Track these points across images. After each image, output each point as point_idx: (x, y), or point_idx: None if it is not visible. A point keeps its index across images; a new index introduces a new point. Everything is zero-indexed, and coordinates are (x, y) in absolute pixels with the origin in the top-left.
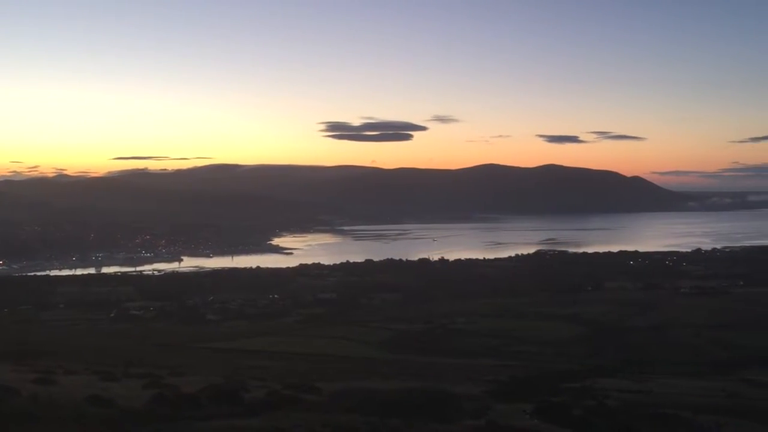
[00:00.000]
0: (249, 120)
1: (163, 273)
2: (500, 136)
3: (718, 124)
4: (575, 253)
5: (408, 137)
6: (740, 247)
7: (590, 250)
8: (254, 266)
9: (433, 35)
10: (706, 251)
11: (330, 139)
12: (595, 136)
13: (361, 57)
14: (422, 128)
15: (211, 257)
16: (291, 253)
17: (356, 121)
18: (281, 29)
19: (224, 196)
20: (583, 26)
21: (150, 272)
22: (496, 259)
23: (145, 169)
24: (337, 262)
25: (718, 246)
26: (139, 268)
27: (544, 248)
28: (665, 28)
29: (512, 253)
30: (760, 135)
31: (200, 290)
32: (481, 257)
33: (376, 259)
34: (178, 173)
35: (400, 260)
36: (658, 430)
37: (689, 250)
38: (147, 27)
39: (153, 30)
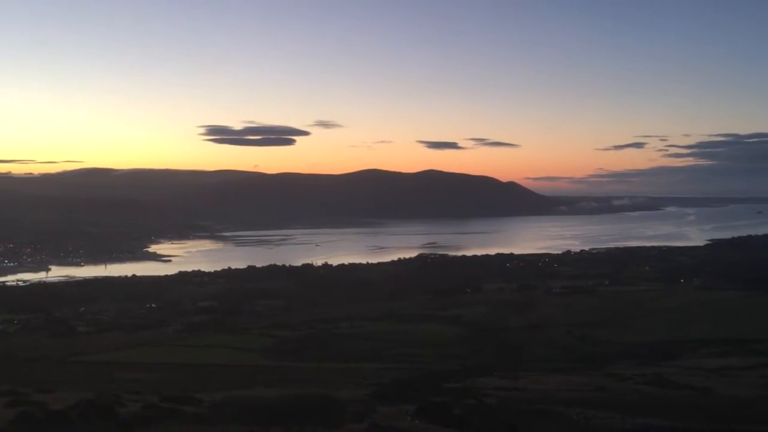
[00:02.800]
0: (123, 122)
1: (28, 283)
2: (382, 141)
3: (584, 132)
4: (455, 257)
5: (291, 142)
6: (605, 248)
7: (469, 253)
8: (129, 275)
9: (316, 40)
10: (575, 253)
11: (210, 143)
12: (473, 142)
13: (243, 60)
14: (305, 133)
15: (82, 266)
16: (169, 261)
17: (238, 125)
18: (159, 27)
19: (96, 201)
20: (461, 35)
21: (14, 283)
22: (378, 264)
23: (8, 173)
24: (218, 269)
25: (586, 248)
26: (1, 279)
27: (425, 252)
28: (535, 40)
29: (395, 257)
30: (622, 143)
31: (70, 301)
32: (364, 262)
33: (258, 265)
34: (45, 178)
35: (283, 266)
36: (533, 425)
37: (560, 252)
38: (11, 22)
39: (19, 25)
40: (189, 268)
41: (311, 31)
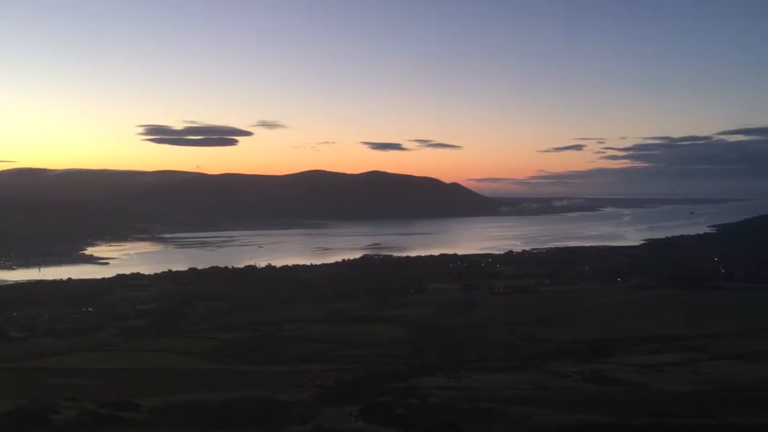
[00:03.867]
0: (58, 120)
1: None
2: (326, 142)
3: (526, 134)
4: (399, 257)
5: (233, 142)
6: (546, 248)
7: (413, 253)
8: (65, 278)
9: (259, 39)
10: (517, 253)
11: (149, 143)
12: (416, 144)
13: (184, 58)
14: (248, 133)
15: (14, 269)
16: (107, 263)
17: (178, 125)
18: (95, 22)
19: (29, 203)
20: (403, 37)
21: None
22: (323, 265)
23: None
24: (158, 272)
25: (528, 248)
26: None
27: (369, 253)
28: (476, 43)
29: (339, 258)
30: (562, 145)
31: (2, 306)
32: (308, 263)
33: (200, 267)
34: None
35: (226, 268)
36: (475, 423)
37: (502, 252)
38: None
39: None
40: (127, 271)
41: (253, 30)
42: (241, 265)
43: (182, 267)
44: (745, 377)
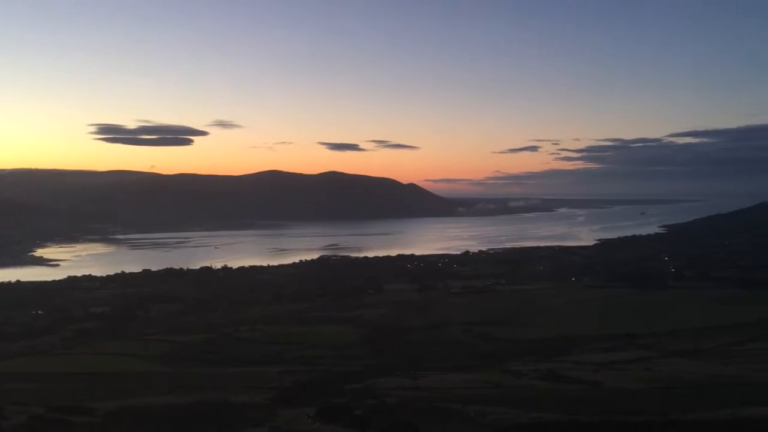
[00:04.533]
0: (5, 119)
1: None
2: (283, 142)
3: (482, 135)
4: (357, 258)
5: (188, 142)
6: (502, 248)
7: (371, 254)
8: (13, 280)
9: (214, 37)
10: (473, 253)
11: (102, 142)
12: (374, 144)
13: (137, 56)
14: (203, 133)
15: None
16: (57, 265)
17: (132, 124)
18: (46, 18)
19: None
20: (360, 37)
21: None
22: (280, 266)
23: None
24: (111, 273)
25: (484, 248)
26: None
27: (327, 254)
28: (433, 44)
29: (296, 259)
30: (518, 146)
31: None
32: (265, 264)
33: (154, 268)
34: None
35: (181, 269)
36: (432, 423)
37: (459, 252)
38: None
39: None
40: (79, 273)
41: (209, 28)
42: (197, 267)
43: (136, 268)
44: (694, 374)
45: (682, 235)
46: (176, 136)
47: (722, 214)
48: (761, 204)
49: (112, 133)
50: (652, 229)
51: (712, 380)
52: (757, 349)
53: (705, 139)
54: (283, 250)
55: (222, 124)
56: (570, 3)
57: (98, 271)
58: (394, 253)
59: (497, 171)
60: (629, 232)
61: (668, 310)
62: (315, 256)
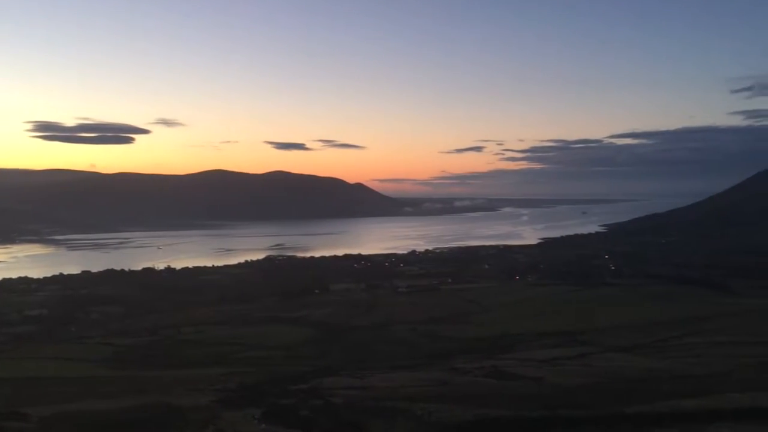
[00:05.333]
0: None
1: None
2: (228, 141)
3: (428, 136)
4: (303, 258)
5: (130, 140)
6: (448, 248)
7: (317, 254)
8: None
9: (158, 33)
10: (420, 253)
11: (39, 140)
12: (320, 144)
13: (75, 50)
14: (145, 131)
15: None
16: None
17: (70, 122)
18: None
19: None
20: (307, 35)
21: None
22: (225, 266)
23: None
24: (49, 275)
25: (430, 247)
26: None
27: (273, 254)
28: (378, 44)
29: (242, 260)
30: (463, 147)
31: None
32: (209, 265)
33: (94, 270)
34: None
35: (122, 270)
36: (378, 421)
37: (406, 252)
38: None
39: None
40: (14, 275)
41: (152, 22)
42: (139, 268)
43: (75, 270)
44: (633, 368)
45: (622, 233)
46: (117, 134)
47: (659, 214)
48: (696, 203)
49: (50, 131)
50: (593, 228)
51: (649, 374)
52: (691, 343)
53: (644, 141)
54: (228, 250)
55: (165, 122)
56: (513, 6)
57: (35, 273)
58: (340, 252)
59: (443, 171)
60: (571, 231)
61: (607, 306)
62: (261, 256)
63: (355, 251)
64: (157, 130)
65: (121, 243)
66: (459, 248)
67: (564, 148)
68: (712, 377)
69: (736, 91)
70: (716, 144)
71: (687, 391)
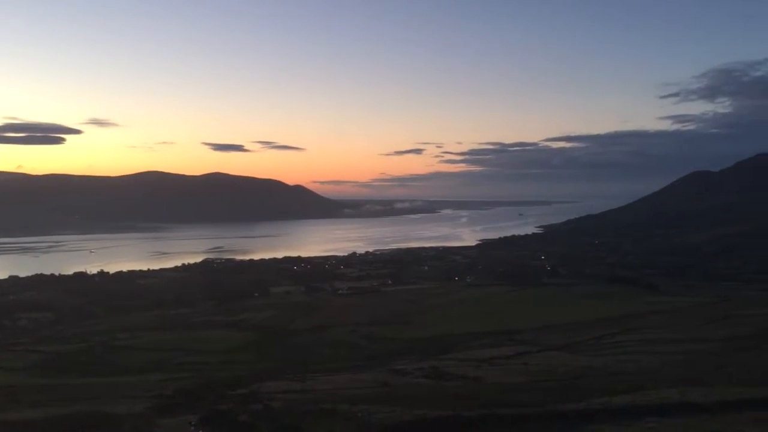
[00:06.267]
0: None
1: None
2: (164, 142)
3: (368, 138)
4: (242, 261)
5: (60, 141)
6: (389, 249)
7: (257, 256)
8: None
9: (90, 29)
10: (360, 254)
11: None
12: (259, 145)
13: (3, 47)
14: (77, 131)
15: None
16: None
17: None
18: None
19: None
20: (244, 35)
21: None
22: (161, 270)
23: None
24: None
25: (371, 249)
26: None
27: (211, 257)
28: (322, 45)
29: (178, 263)
30: (403, 149)
31: None
32: (145, 268)
33: (22, 275)
34: None
35: (52, 275)
36: (318, 425)
37: (346, 254)
38: None
39: None
40: None
41: (83, 18)
42: (70, 272)
43: (1, 275)
44: (569, 367)
45: (557, 234)
46: (46, 134)
47: (593, 215)
48: (628, 205)
49: None
50: (530, 229)
51: (583, 372)
52: (623, 341)
53: (577, 144)
54: (165, 253)
55: (98, 123)
56: (452, 10)
57: None
58: (280, 255)
59: (383, 173)
60: (509, 233)
61: (544, 306)
62: (199, 259)
63: (295, 253)
64: (90, 131)
65: (51, 247)
66: (399, 250)
67: (501, 150)
68: (643, 374)
69: (664, 96)
70: (646, 147)
71: (619, 388)
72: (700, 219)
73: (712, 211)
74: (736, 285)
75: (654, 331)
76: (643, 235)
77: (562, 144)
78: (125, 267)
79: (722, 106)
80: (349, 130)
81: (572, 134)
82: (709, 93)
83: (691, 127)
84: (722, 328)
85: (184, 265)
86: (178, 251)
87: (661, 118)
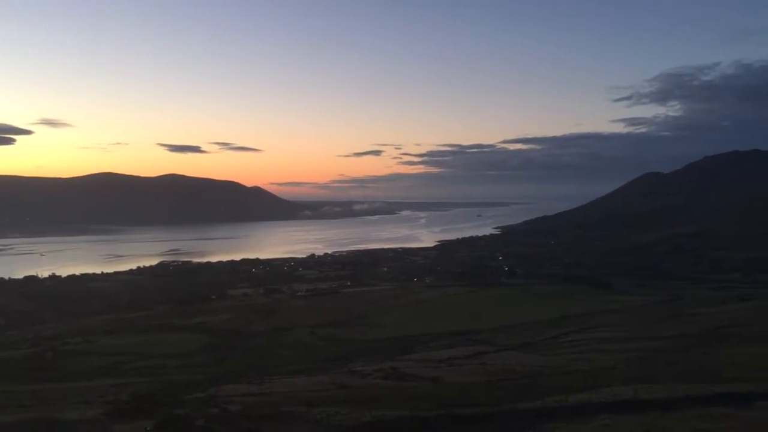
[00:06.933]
0: None
1: None
2: (118, 143)
3: (326, 139)
4: (199, 263)
5: (10, 141)
6: (347, 251)
7: (214, 259)
8: None
9: (41, 25)
10: (319, 256)
11: None
12: (216, 146)
13: None
14: (27, 132)
15: None
16: None
17: None
18: None
19: None
20: (200, 35)
21: None
22: (115, 273)
23: None
24: None
25: (330, 251)
26: None
27: (167, 259)
28: (279, 47)
29: (133, 266)
30: (361, 150)
31: None
32: (98, 271)
33: None
34: None
35: (2, 279)
36: (276, 427)
37: (305, 255)
38: None
39: None
40: None
41: (33, 13)
42: (20, 276)
43: None
44: (525, 366)
45: (514, 235)
46: None
47: (549, 216)
48: (582, 206)
49: None
50: (487, 230)
51: (540, 371)
52: (578, 340)
53: (533, 146)
54: (119, 256)
55: (49, 123)
56: (407, 12)
57: None
58: (238, 257)
59: (342, 174)
60: (467, 234)
61: (502, 306)
62: (154, 262)
63: (253, 256)
64: (41, 131)
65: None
66: (358, 251)
67: (459, 152)
68: (597, 372)
69: (617, 99)
70: (600, 149)
71: (575, 386)
72: (651, 219)
73: (664, 211)
74: (686, 284)
75: (608, 329)
76: (597, 235)
77: (518, 146)
78: (78, 270)
79: (673, 109)
80: (307, 131)
81: (528, 136)
82: (661, 97)
83: (643, 129)
84: (673, 326)
85: (138, 268)
86: (132, 254)
87: (614, 121)
